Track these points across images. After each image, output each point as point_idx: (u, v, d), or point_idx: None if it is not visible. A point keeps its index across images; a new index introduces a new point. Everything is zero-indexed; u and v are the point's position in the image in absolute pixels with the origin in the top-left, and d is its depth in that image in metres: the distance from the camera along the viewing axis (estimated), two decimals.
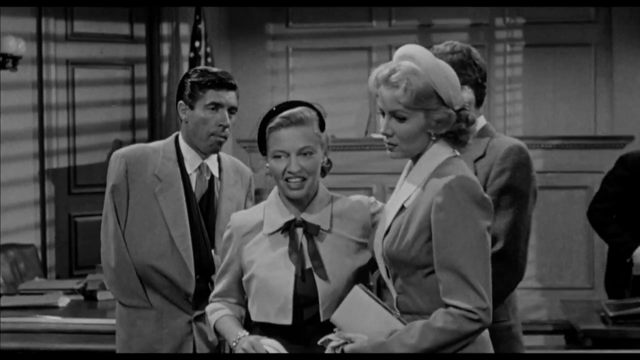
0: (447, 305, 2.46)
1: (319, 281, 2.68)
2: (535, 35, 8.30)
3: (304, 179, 2.71)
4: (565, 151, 7.11)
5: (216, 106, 3.29)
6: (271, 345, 2.64)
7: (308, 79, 8.66)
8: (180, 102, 3.38)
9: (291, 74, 8.71)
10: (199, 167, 3.37)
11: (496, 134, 3.15)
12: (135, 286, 3.29)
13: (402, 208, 2.57)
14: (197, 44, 7.84)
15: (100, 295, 5.06)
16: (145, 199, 3.31)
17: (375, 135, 7.66)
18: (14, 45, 6.84)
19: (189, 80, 3.36)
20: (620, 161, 5.42)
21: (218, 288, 2.88)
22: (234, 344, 2.73)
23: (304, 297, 2.68)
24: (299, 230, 2.75)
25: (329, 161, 2.81)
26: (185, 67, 7.99)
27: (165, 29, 8.16)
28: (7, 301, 4.87)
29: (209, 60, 7.87)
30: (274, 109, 2.75)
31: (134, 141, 8.02)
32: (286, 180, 2.70)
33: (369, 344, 2.48)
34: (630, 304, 4.56)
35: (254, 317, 2.77)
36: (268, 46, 8.64)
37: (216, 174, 3.40)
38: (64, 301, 4.94)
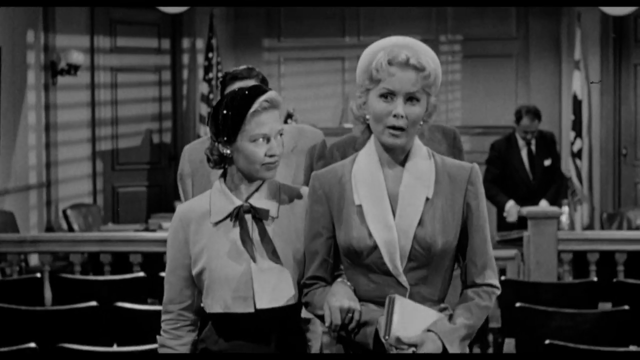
0: (477, 285, 2.41)
1: (273, 266, 2.50)
2: (470, 48, 9.05)
3: (277, 160, 2.51)
4: (491, 136, 7.60)
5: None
6: None
7: (295, 82, 9.25)
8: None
9: (282, 78, 9.26)
10: None
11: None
12: None
13: (426, 200, 2.38)
14: (210, 54, 8.71)
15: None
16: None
17: (346, 125, 8.28)
18: (76, 57, 8.03)
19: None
20: (491, 146, 6.62)
21: (172, 293, 2.60)
22: None
23: None
24: (248, 217, 2.51)
25: None
26: (200, 73, 8.88)
27: (185, 43, 9.04)
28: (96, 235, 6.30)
29: (220, 67, 8.70)
30: (246, 92, 2.47)
31: (161, 130, 9.06)
32: (264, 164, 2.48)
33: (441, 335, 2.31)
34: (510, 233, 6.00)
35: (210, 309, 2.54)
36: (264, 56, 9.29)
37: None
38: None
